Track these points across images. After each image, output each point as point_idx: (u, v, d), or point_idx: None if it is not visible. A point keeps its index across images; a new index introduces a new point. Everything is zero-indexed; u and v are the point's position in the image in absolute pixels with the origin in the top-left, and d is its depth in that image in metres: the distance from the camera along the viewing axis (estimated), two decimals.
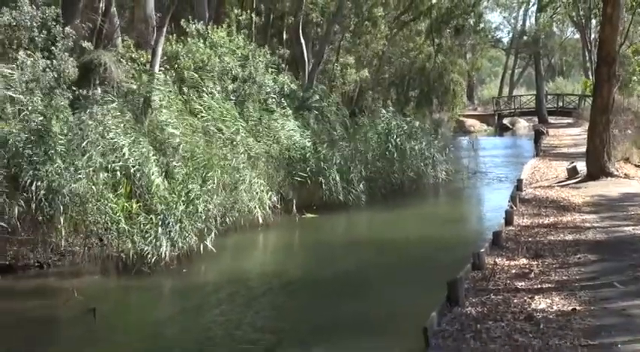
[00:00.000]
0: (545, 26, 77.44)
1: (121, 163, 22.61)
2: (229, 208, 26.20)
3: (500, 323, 12.03)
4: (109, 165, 22.32)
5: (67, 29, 24.34)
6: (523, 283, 14.57)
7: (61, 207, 20.83)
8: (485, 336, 11.36)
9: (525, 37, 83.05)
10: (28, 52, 23.13)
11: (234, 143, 28.40)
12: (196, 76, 30.71)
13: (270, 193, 28.18)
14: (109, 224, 21.15)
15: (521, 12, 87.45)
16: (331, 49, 44.19)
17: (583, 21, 71.35)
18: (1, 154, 20.44)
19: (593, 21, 62.74)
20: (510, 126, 77.57)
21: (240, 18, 38.41)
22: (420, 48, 52.98)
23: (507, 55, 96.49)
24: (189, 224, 22.30)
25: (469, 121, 74.93)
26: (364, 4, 46.82)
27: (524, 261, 16.42)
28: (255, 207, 27.12)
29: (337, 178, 31.91)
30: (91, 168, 21.60)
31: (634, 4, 40.54)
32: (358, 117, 39.18)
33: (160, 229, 21.20)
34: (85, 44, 26.44)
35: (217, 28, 33.87)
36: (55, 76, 23.16)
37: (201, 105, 28.88)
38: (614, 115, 30.50)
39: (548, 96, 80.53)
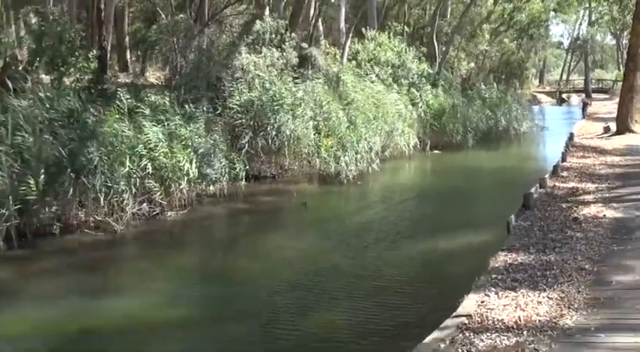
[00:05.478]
0: (592, 34, 74.46)
1: (324, 115, 23.02)
2: (387, 146, 26.38)
3: (556, 221, 11.85)
4: (316, 116, 22.72)
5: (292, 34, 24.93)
6: (571, 198, 14.26)
7: (285, 142, 21.37)
8: (545, 229, 11.23)
9: (578, 41, 79.41)
10: (268, 47, 23.58)
11: (392, 104, 28.43)
12: (368, 64, 30.87)
13: (413, 137, 28.22)
14: (314, 152, 21.56)
15: (577, 25, 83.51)
16: (453, 49, 43.51)
17: (618, 32, 69.59)
18: (250, 110, 20.99)
19: (625, 32, 59.77)
20: (567, 100, 74.30)
21: (397, 28, 38.19)
22: (508, 47, 51.74)
23: (566, 53, 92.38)
24: (363, 154, 22.59)
25: (539, 95, 72.10)
26: (476, 21, 46.18)
27: (573, 184, 16.01)
28: (403, 146, 27.24)
29: (456, 128, 31.81)
30: (304, 118, 22.01)
31: None
32: (468, 91, 38.62)
33: (345, 157, 21.54)
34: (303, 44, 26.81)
35: (382, 34, 33.86)
36: (284, 62, 23.59)
37: (372, 82, 29.04)
38: (637, 93, 29.21)
39: (592, 80, 77.79)
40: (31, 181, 13.42)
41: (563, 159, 20.32)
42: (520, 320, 6.90)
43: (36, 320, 9.43)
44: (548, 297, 7.62)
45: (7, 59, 22.19)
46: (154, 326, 9.24)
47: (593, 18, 68.09)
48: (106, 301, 10.34)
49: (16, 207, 13.07)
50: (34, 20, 22.25)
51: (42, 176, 13.69)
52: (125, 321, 9.41)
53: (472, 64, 45.30)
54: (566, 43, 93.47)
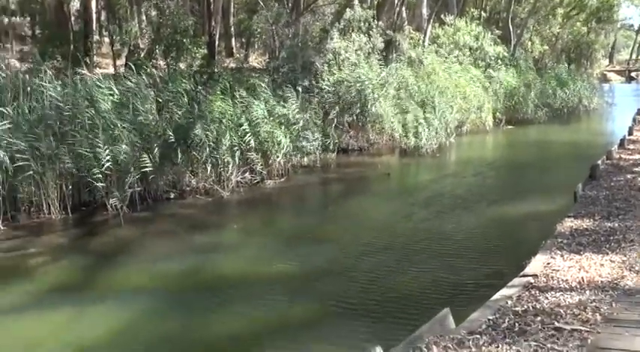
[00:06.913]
0: None
1: (406, 94, 22.83)
2: (464, 121, 25.98)
3: (621, 190, 11.43)
4: (399, 95, 22.56)
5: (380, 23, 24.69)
6: (637, 168, 13.71)
7: (370, 118, 21.33)
8: (610, 197, 10.86)
9: None
10: (357, 33, 23.47)
11: (470, 84, 27.87)
12: (448, 47, 30.36)
13: (488, 113, 27.67)
14: (397, 128, 21.41)
15: None
16: (526, 31, 42.21)
17: None
18: (340, 90, 20.97)
19: None
20: (635, 78, 71.07)
21: (474, 13, 37.35)
22: (579, 30, 49.82)
23: (636, 33, 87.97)
24: (441, 129, 22.33)
25: (609, 74, 69.24)
26: (549, 6, 44.62)
27: (638, 156, 15.40)
28: (479, 121, 26.80)
29: (528, 105, 30.97)
30: (388, 96, 21.88)
31: None
32: (541, 70, 37.46)
33: (425, 132, 21.32)
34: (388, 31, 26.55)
35: (460, 19, 33.19)
36: (371, 46, 23.43)
37: (451, 63, 28.58)
38: None
39: None
40: (151, 154, 13.90)
41: (630, 133, 19.54)
42: (583, 281, 6.74)
43: (157, 274, 9.80)
44: (611, 260, 7.41)
45: (131, 47, 22.97)
46: (258, 279, 9.48)
47: None
48: (216, 257, 10.66)
49: (138, 175, 13.59)
50: (153, 13, 22.89)
51: (159, 149, 14.15)
52: (233, 275, 9.70)
53: (545, 46, 43.88)
54: (636, 24, 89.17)
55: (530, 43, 42.51)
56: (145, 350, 7.27)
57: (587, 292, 6.41)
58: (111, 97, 14.56)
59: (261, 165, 16.17)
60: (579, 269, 7.13)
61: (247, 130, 15.93)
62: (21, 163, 12.34)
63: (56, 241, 11.71)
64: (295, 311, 8.26)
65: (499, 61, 32.43)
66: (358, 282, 9.12)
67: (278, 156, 16.65)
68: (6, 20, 28.58)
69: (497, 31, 35.79)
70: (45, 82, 13.82)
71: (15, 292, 9.03)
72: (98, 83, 14.70)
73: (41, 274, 9.95)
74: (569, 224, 9.22)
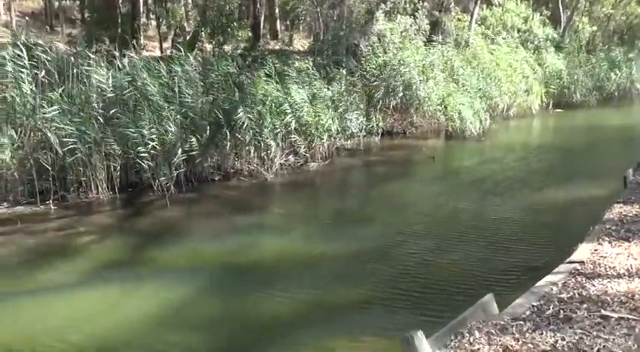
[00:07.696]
0: None
1: (452, 77, 22.59)
2: (512, 105, 25.60)
3: None
4: (445, 77, 22.31)
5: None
6: None
7: (414, 101, 21.14)
8: None
9: None
10: (403, 15, 23.23)
11: (518, 67, 27.39)
12: (496, 29, 29.85)
13: (536, 97, 27.20)
14: (441, 110, 21.21)
15: None
16: (577, 13, 41.13)
17: None
18: (384, 72, 20.80)
19: None
20: None
21: None
22: (632, 10, 48.34)
23: None
24: (487, 112, 22.06)
25: None
26: None
27: None
28: (527, 105, 26.39)
29: (578, 88, 30.31)
30: (434, 80, 21.65)
31: None
32: (591, 53, 36.52)
33: (470, 115, 21.06)
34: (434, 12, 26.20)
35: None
36: (417, 28, 23.15)
37: (499, 45, 28.14)
38: None
39: None
40: (196, 136, 14.05)
41: None
42: (632, 268, 6.62)
43: (203, 254, 9.96)
44: None
45: (177, 30, 23.17)
46: (301, 261, 9.56)
47: None
48: (260, 239, 10.76)
49: (184, 157, 13.77)
50: None
51: (204, 131, 14.29)
52: (276, 257, 9.82)
53: (594, 28, 42.75)
54: None
55: (580, 25, 41.45)
56: (191, 327, 7.41)
57: (636, 280, 6.29)
58: (159, 80, 14.74)
59: (305, 147, 16.22)
60: (628, 257, 6.99)
61: (289, 112, 15.98)
62: (71, 146, 12.60)
63: (104, 220, 11.98)
64: (337, 294, 8.30)
65: (548, 42, 31.76)
66: (400, 266, 9.11)
67: (322, 139, 16.68)
68: (56, 4, 29.08)
69: (546, 12, 35.00)
70: (92, 65, 14.03)
71: (66, 269, 9.29)
72: (148, 65, 14.88)
73: (91, 252, 10.19)
74: (618, 210, 9.05)
